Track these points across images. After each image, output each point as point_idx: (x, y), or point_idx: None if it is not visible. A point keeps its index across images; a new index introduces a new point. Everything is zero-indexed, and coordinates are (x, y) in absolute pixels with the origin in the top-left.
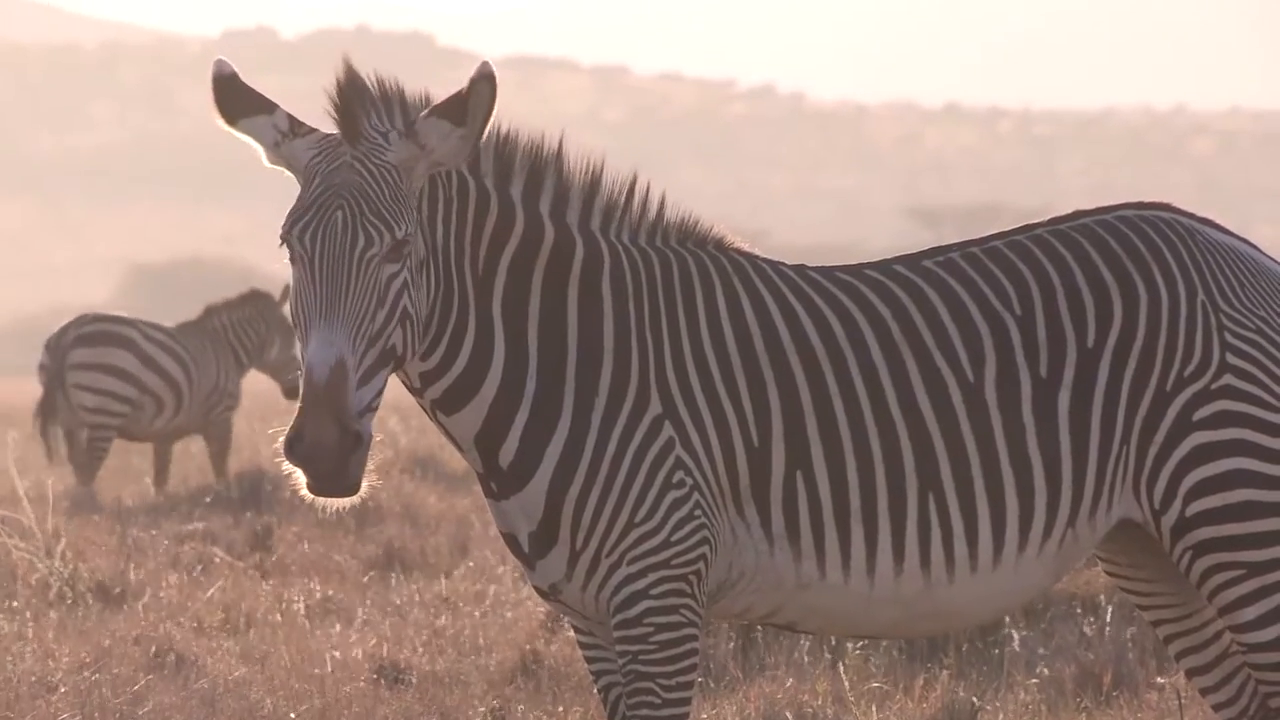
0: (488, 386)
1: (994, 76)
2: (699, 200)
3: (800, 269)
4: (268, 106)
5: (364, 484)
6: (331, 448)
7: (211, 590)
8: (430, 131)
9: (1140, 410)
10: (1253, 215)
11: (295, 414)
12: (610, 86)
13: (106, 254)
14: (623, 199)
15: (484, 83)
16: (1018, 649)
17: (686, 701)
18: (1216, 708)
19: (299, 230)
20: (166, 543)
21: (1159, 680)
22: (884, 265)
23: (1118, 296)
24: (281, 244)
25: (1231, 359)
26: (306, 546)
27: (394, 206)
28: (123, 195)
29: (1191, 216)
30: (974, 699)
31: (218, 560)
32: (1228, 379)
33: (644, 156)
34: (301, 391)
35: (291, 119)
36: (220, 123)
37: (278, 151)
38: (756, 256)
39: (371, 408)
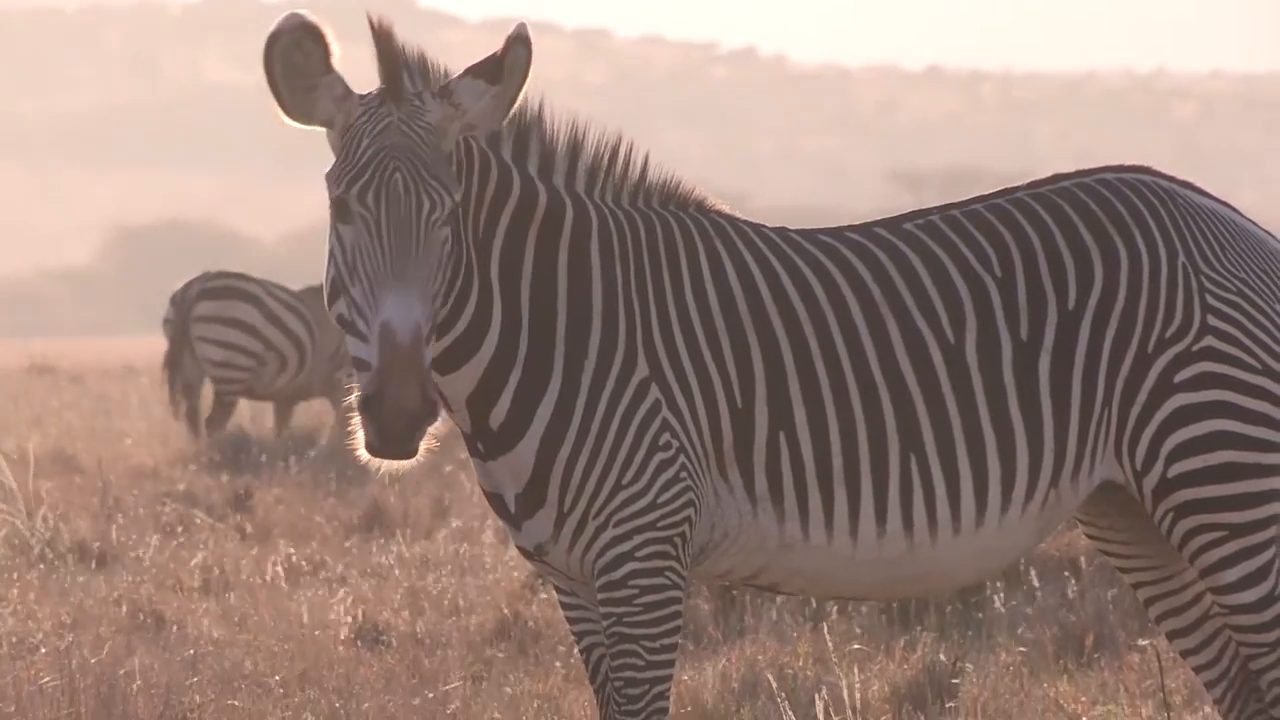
0: (485, 348)
1: (975, 40)
2: (681, 163)
3: (781, 231)
4: (322, 69)
5: (421, 450)
6: (412, 413)
7: (198, 558)
8: (465, 92)
9: (1121, 372)
10: (1234, 179)
11: (372, 372)
12: (592, 49)
13: (89, 217)
14: (606, 161)
15: (519, 44)
16: (1000, 611)
17: (670, 664)
18: (1198, 669)
19: (359, 190)
20: (147, 505)
21: (1140, 642)
22: (865, 228)
23: (1098, 259)
24: (335, 204)
25: (1212, 321)
26: (287, 508)
27: (445, 169)
28: (105, 158)
29: (1172, 179)
30: (955, 660)
31: (198, 522)
32: (1209, 341)
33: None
34: (379, 348)
35: (341, 79)
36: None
37: (340, 112)
38: (738, 218)
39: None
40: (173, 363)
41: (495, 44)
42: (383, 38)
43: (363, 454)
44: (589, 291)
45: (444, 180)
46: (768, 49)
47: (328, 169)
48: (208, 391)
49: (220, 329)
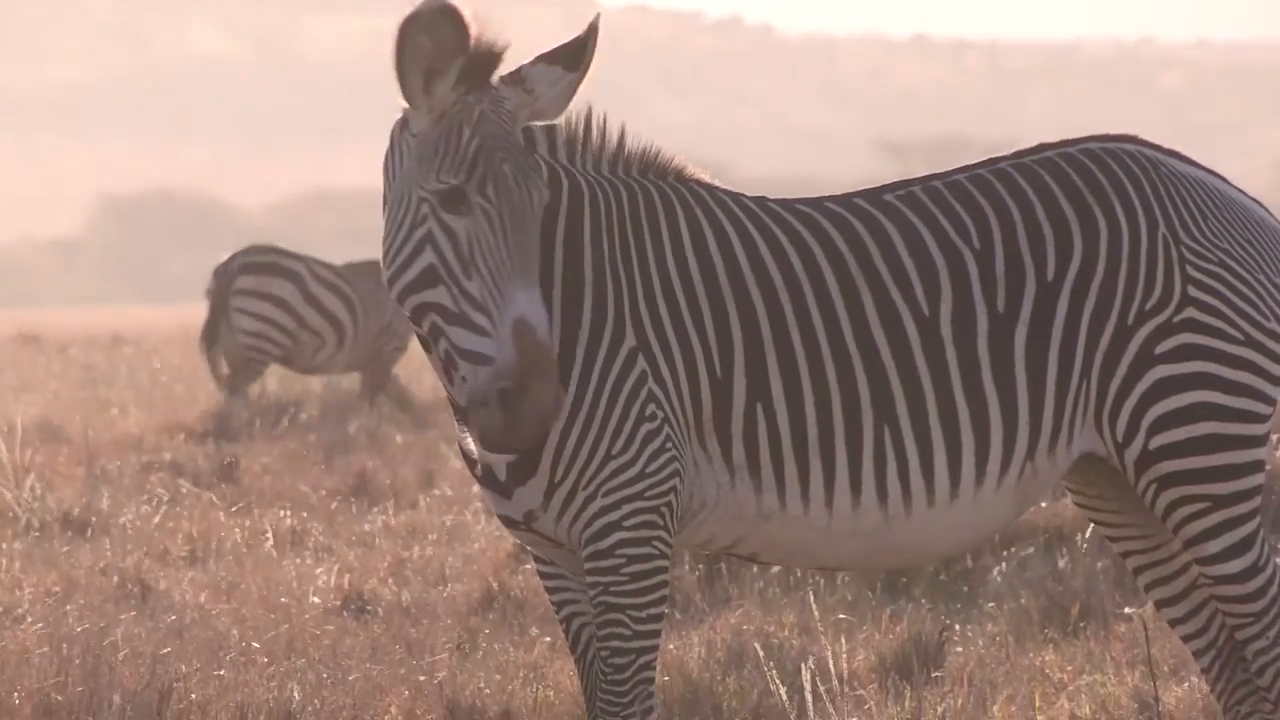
0: None
1: (961, 9)
2: (667, 132)
3: (760, 200)
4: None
5: None
6: (548, 409)
7: (184, 528)
8: (540, 78)
9: (1101, 344)
10: (1220, 147)
11: (510, 368)
12: (578, 18)
13: (76, 186)
14: (581, 131)
15: (591, 35)
16: (988, 580)
17: (656, 634)
18: (1185, 639)
19: (478, 182)
20: (133, 474)
21: (1127, 611)
22: (844, 199)
23: (1077, 229)
24: (447, 194)
25: (1193, 292)
26: (273, 478)
27: (534, 158)
28: (92, 128)
29: (1157, 148)
30: (942, 630)
31: (185, 491)
32: (1190, 312)
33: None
34: (518, 347)
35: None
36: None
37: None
38: (716, 187)
39: None
40: (210, 333)
41: (485, 13)
42: (464, 23)
43: (477, 448)
44: (581, 262)
45: (538, 170)
46: (754, 18)
47: (400, 158)
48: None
49: (257, 303)
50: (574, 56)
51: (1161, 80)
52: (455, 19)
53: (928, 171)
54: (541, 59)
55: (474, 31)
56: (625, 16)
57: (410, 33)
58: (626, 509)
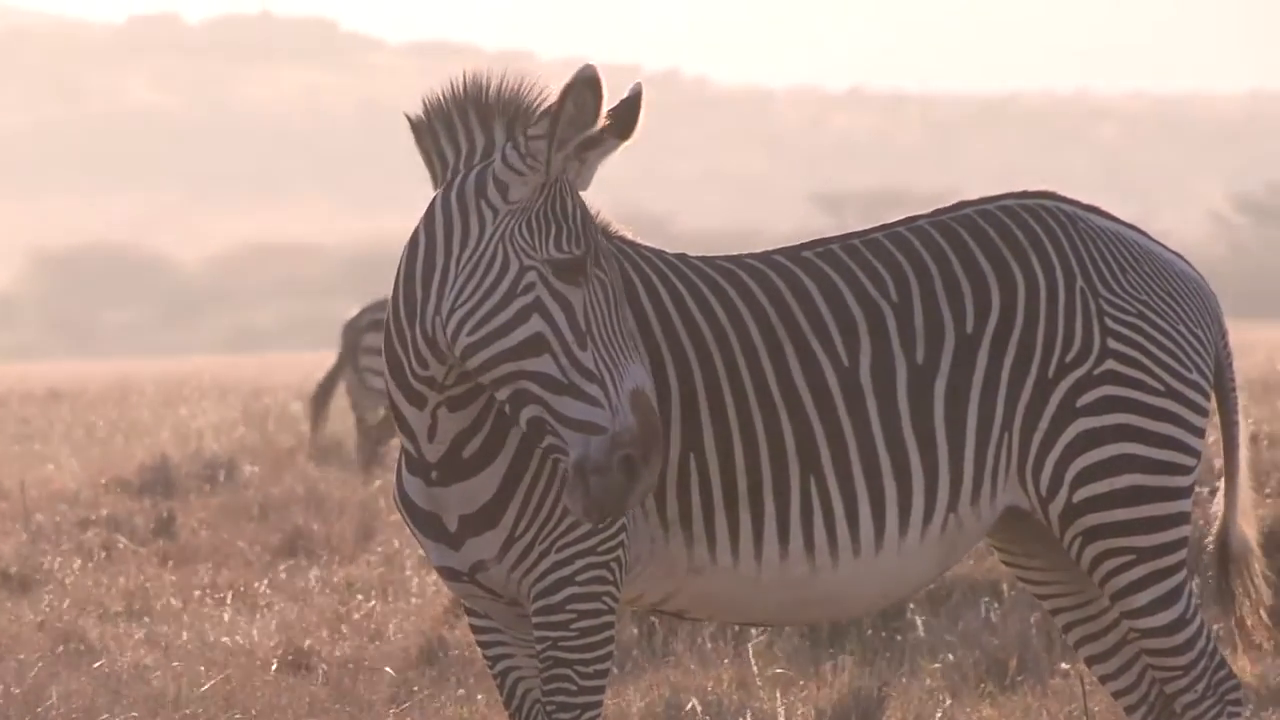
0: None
1: (897, 61)
2: (604, 184)
3: (682, 256)
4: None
5: None
6: (654, 481)
7: (121, 583)
8: (596, 147)
9: (1022, 398)
10: (1156, 198)
11: (630, 432)
12: (513, 72)
13: (9, 240)
14: None
15: (637, 101)
16: (921, 635)
17: (602, 689)
18: (1117, 695)
19: (595, 255)
20: (70, 529)
21: (1063, 666)
22: (763, 255)
23: (994, 284)
24: (565, 264)
25: (1113, 344)
26: (210, 532)
27: None
28: (26, 181)
29: (1075, 204)
30: (880, 685)
31: (122, 546)
32: (1110, 364)
33: None
34: (641, 420)
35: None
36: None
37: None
38: (639, 244)
39: None
40: (325, 387)
41: (417, 68)
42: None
43: (579, 513)
44: None
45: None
46: (690, 71)
47: (480, 220)
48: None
49: None
50: (624, 124)
51: (1097, 131)
52: (598, 91)
53: (864, 223)
54: (610, 132)
55: (605, 107)
56: (562, 70)
57: (568, 97)
58: (579, 564)
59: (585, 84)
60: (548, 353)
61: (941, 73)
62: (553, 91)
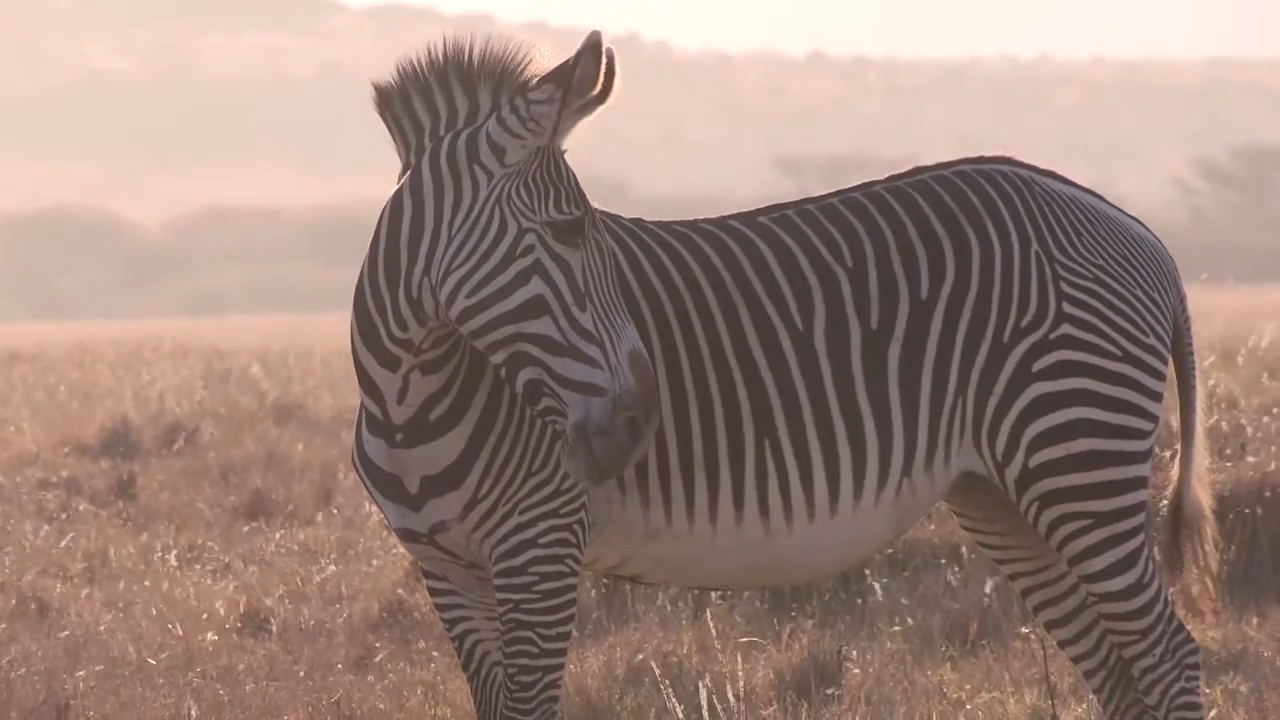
0: (463, 347)
1: (858, 26)
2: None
3: (638, 221)
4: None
5: None
6: (651, 439)
7: (81, 545)
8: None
9: (977, 362)
10: (1117, 165)
11: (631, 393)
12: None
13: None
14: None
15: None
16: (881, 599)
17: (563, 652)
18: (1076, 659)
19: (592, 218)
20: (30, 491)
21: (1024, 630)
22: (718, 221)
23: (950, 248)
24: (564, 225)
25: (1068, 308)
26: (170, 495)
27: None
28: None
29: (1031, 168)
30: (840, 648)
31: (82, 509)
32: (1066, 329)
33: None
34: (641, 380)
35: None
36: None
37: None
38: (595, 209)
39: None
40: None
41: (377, 32)
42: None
43: (579, 476)
44: None
45: None
46: (650, 35)
47: (474, 183)
48: None
49: None
50: (604, 87)
51: (1058, 97)
52: (602, 58)
53: (825, 188)
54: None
55: (612, 78)
56: (522, 33)
57: (579, 63)
58: (542, 526)
59: (593, 50)
60: (547, 315)
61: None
62: (536, 55)
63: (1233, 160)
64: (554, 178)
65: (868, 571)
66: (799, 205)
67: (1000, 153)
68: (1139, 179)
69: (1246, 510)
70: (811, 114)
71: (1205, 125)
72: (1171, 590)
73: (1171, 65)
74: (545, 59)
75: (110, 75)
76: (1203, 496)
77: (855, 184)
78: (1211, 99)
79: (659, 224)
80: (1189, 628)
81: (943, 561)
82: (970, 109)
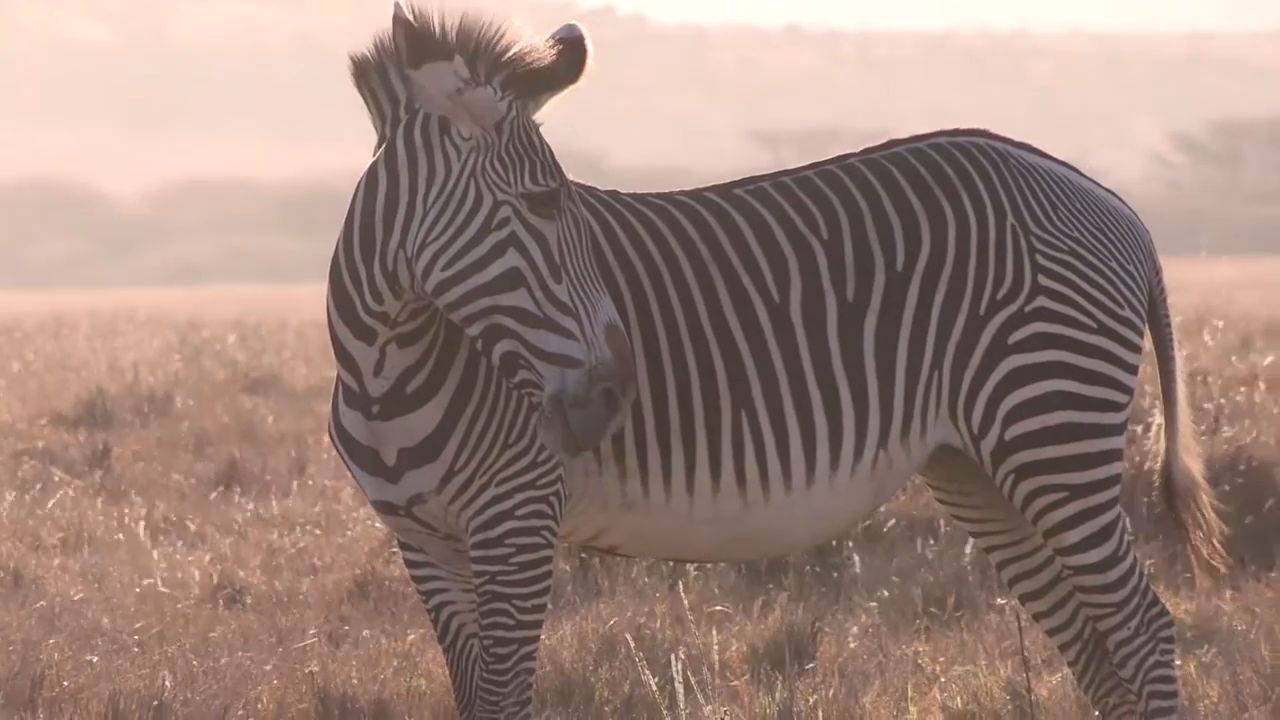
0: (439, 321)
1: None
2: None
3: (614, 193)
4: (448, 52)
5: None
6: (629, 415)
7: (56, 515)
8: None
9: (953, 335)
10: (1094, 138)
11: (608, 366)
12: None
13: None
14: None
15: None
16: (857, 571)
17: (539, 624)
18: (1051, 633)
19: (568, 191)
20: (4, 461)
21: (999, 602)
22: (694, 192)
23: (925, 220)
24: (539, 197)
25: (1044, 281)
26: (145, 466)
27: None
28: None
29: (1007, 141)
30: (814, 621)
31: (57, 479)
32: (1041, 301)
33: None
34: (618, 352)
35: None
36: (404, 69)
37: (457, 99)
38: (569, 181)
39: None
40: None
41: (349, 4)
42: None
43: (556, 449)
44: None
45: None
46: (625, 8)
47: (444, 157)
48: None
49: None
50: (575, 68)
51: (1034, 70)
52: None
53: (800, 161)
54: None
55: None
56: (497, 5)
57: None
58: (519, 498)
59: (404, 25)
60: (524, 287)
61: (878, 10)
62: (510, 27)
63: (1210, 134)
64: (528, 150)
65: (847, 543)
66: (774, 177)
67: (976, 125)
68: (1116, 152)
69: (1226, 487)
70: (787, 87)
71: (1183, 99)
72: (1150, 562)
73: (1149, 38)
74: (519, 30)
75: (84, 45)
76: (1192, 465)
77: (831, 157)
78: (1189, 73)
79: (635, 196)
80: (1166, 600)
81: (920, 535)
82: (946, 82)
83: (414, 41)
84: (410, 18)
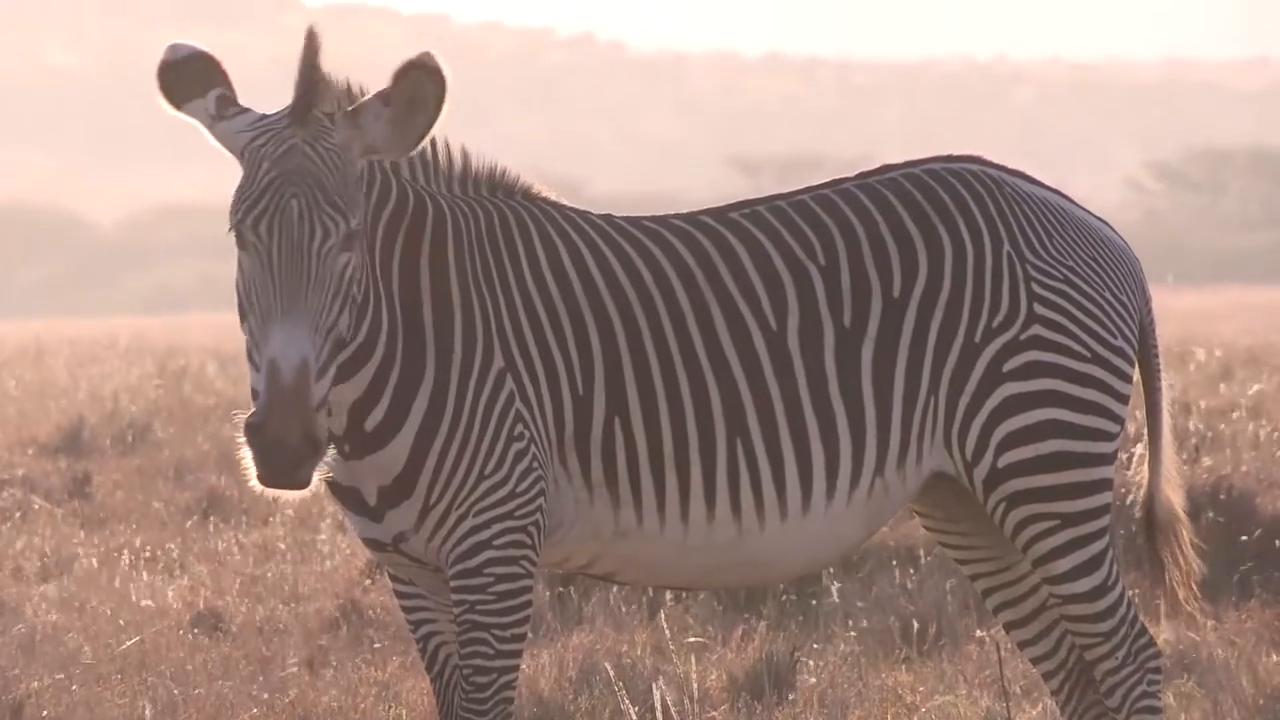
0: (377, 354)
1: (813, 26)
2: (519, 149)
3: (607, 218)
4: (202, 90)
5: (314, 481)
6: (292, 449)
7: (36, 544)
8: (366, 112)
9: (948, 362)
10: (1073, 165)
11: (259, 405)
12: (430, 35)
13: None
14: (430, 153)
15: (419, 71)
16: (836, 600)
17: (518, 654)
18: (1035, 661)
19: (253, 220)
20: None
21: (979, 633)
22: (690, 216)
23: (922, 248)
24: (231, 231)
25: (1039, 309)
26: (126, 494)
27: (346, 193)
28: None
29: (1001, 168)
30: (793, 650)
31: (37, 507)
32: (1036, 329)
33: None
34: (265, 384)
35: (220, 99)
36: (168, 109)
37: (213, 133)
38: (563, 205)
39: (326, 401)
40: None
41: (334, 30)
42: (306, 55)
43: (254, 483)
44: (448, 284)
45: (343, 204)
46: (605, 35)
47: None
48: None
49: None
50: (389, 92)
51: (1014, 97)
52: (175, 68)
53: (780, 188)
54: (377, 95)
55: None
56: (477, 33)
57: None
58: (497, 528)
59: (162, 69)
60: (243, 322)
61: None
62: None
63: (1187, 161)
64: (243, 182)
65: (827, 572)
66: (769, 201)
67: (955, 152)
68: (1094, 179)
69: (1210, 513)
70: (767, 113)
71: (1160, 126)
72: (1135, 593)
73: (1128, 66)
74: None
75: (64, 70)
76: (1174, 497)
77: (814, 183)
78: (1167, 100)
79: (628, 220)
80: (1153, 631)
81: (899, 564)
82: (925, 108)
83: (166, 83)
84: (167, 60)
